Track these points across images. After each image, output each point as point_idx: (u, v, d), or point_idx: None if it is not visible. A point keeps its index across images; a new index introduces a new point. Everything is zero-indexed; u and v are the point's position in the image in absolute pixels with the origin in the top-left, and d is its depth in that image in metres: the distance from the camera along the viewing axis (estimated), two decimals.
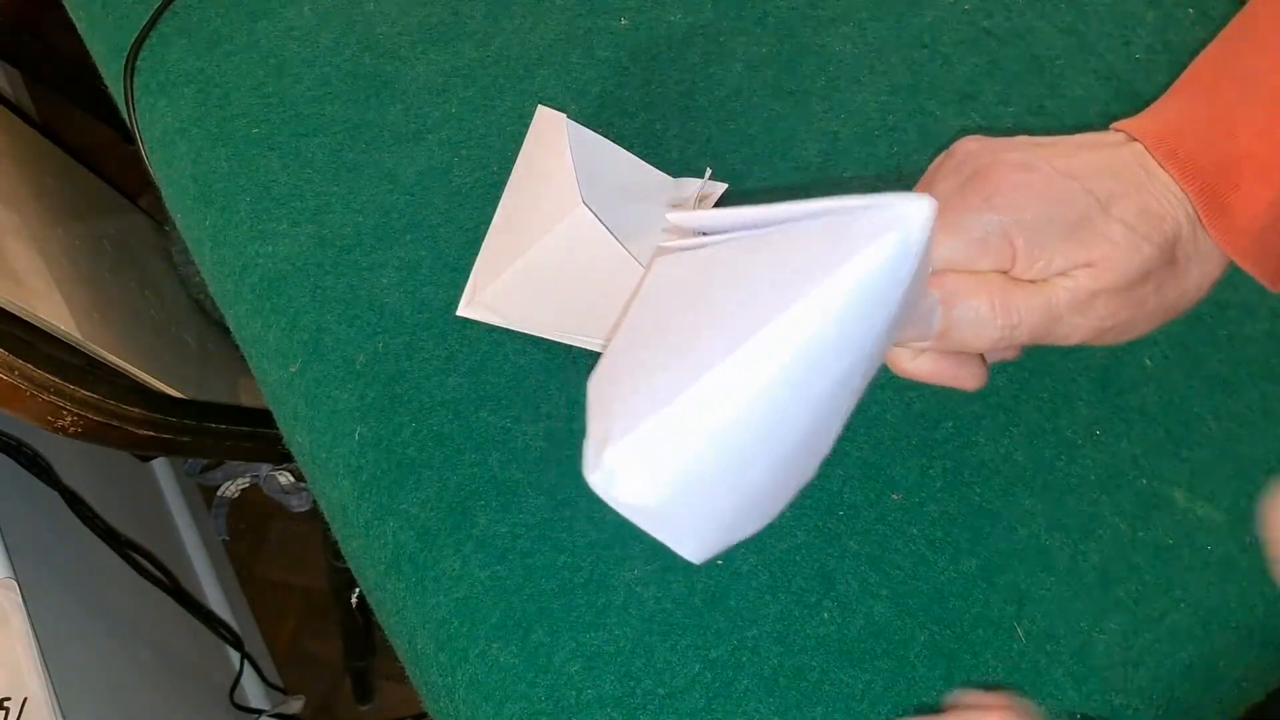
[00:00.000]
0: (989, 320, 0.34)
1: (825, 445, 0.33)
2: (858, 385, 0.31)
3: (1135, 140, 0.35)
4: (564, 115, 0.48)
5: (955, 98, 0.54)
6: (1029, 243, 0.34)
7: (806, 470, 0.33)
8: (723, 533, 0.33)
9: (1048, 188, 0.34)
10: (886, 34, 0.56)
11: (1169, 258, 0.34)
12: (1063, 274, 0.34)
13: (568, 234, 0.45)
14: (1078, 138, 0.36)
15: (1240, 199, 0.33)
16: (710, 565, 0.46)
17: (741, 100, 0.55)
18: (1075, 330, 0.34)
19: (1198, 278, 0.34)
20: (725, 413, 0.29)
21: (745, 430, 0.29)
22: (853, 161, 0.53)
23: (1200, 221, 0.33)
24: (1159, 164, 0.34)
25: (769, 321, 0.27)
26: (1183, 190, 0.33)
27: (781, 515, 0.34)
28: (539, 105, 0.52)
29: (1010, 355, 0.38)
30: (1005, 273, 0.34)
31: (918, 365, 0.37)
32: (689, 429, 0.29)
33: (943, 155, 0.39)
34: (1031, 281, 0.34)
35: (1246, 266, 0.34)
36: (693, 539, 0.33)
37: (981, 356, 0.37)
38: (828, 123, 0.54)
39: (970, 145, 0.37)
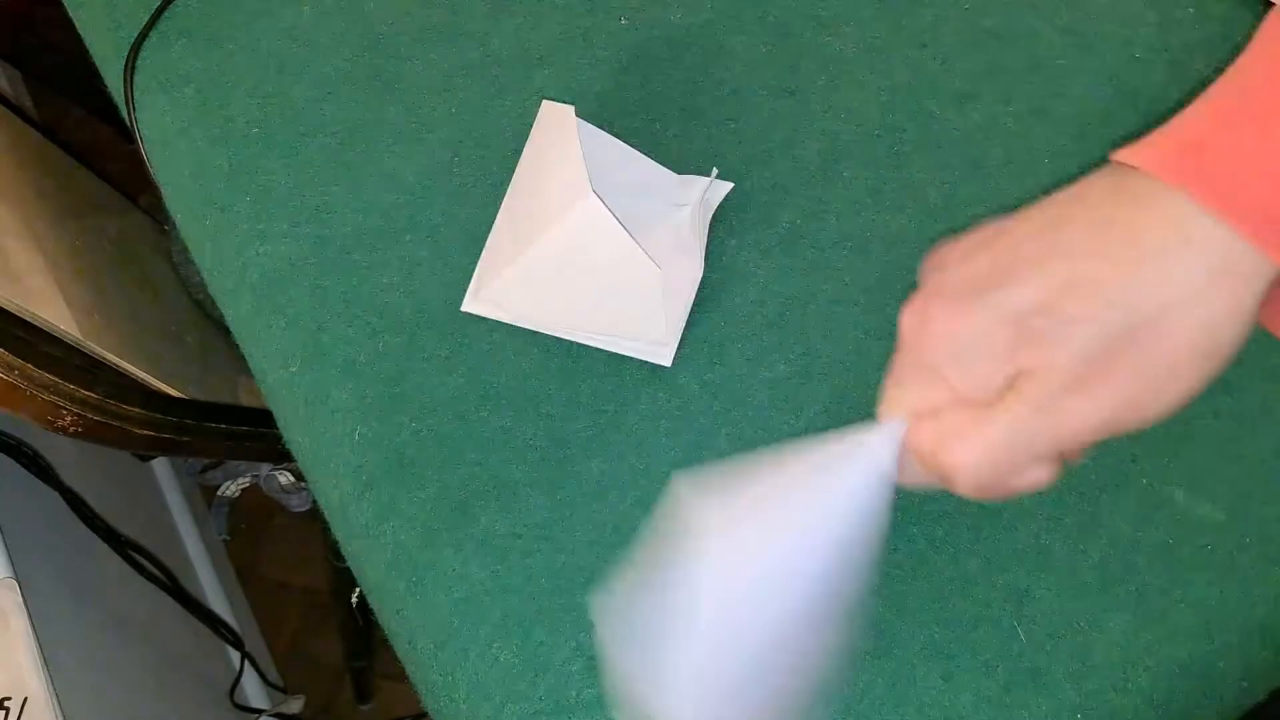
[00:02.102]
0: (969, 467, 0.32)
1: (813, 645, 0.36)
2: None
3: (1129, 170, 0.31)
4: (571, 108, 0.48)
5: (955, 98, 0.54)
6: (955, 370, 0.32)
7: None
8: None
9: (950, 313, 0.32)
10: (886, 34, 0.56)
11: (1128, 320, 0.30)
12: (1011, 387, 0.31)
13: (576, 224, 0.45)
14: (1048, 213, 0.33)
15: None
16: None
17: (741, 100, 0.55)
18: (1081, 430, 0.31)
19: (1210, 297, 0.29)
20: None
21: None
22: (853, 161, 0.53)
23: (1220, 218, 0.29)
24: (1146, 195, 0.30)
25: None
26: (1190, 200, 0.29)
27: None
28: (544, 100, 0.52)
29: (1070, 459, 0.34)
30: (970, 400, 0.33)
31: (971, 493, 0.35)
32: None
33: None
34: (992, 405, 0.32)
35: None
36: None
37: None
38: (828, 123, 0.54)
39: (931, 261, 0.36)
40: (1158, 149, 0.30)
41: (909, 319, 0.34)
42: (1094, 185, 0.32)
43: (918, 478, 0.35)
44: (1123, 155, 0.31)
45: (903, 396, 0.34)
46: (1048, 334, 0.30)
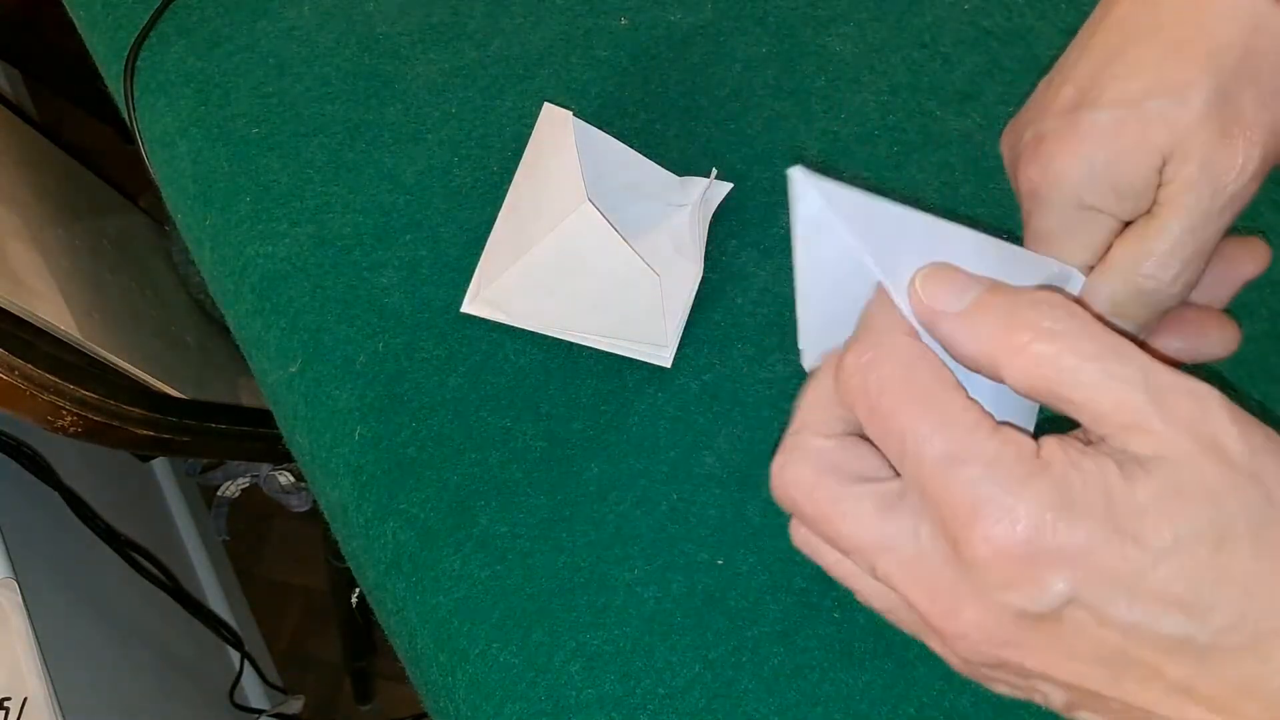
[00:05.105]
0: (1157, 290, 0.32)
1: None
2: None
3: None
4: (570, 113, 0.48)
5: (955, 98, 0.54)
6: (1101, 191, 0.32)
7: None
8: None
9: (1065, 141, 0.32)
10: (886, 34, 0.56)
11: (1231, 65, 0.31)
12: (1164, 182, 0.32)
13: (572, 231, 0.45)
14: (1085, 28, 0.34)
15: None
16: (710, 565, 0.46)
17: (741, 100, 0.55)
18: (1235, 198, 0.31)
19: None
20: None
21: None
22: (853, 161, 0.53)
23: None
24: None
25: None
26: None
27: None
28: (545, 103, 0.52)
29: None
30: (1124, 222, 0.33)
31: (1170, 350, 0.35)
32: None
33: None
34: (1153, 212, 0.32)
35: None
36: None
37: (1220, 312, 0.35)
38: (828, 123, 0.54)
39: (1007, 141, 0.36)
40: None
41: (1030, 171, 0.33)
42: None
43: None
44: None
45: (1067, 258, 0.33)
46: (1166, 111, 0.31)
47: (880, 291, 0.30)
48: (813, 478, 0.28)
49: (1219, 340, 0.36)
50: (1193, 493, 0.24)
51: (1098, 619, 0.24)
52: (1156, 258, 0.32)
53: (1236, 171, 0.31)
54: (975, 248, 0.30)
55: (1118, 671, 0.25)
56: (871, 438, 0.28)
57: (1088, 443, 0.26)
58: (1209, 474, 0.24)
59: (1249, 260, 0.36)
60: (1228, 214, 0.32)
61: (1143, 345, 0.31)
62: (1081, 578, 0.24)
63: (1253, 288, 0.50)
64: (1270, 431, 0.25)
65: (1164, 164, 0.31)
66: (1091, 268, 0.34)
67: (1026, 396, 0.27)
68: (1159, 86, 0.31)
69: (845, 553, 0.28)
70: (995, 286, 0.27)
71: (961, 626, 0.26)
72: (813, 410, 0.30)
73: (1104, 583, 0.24)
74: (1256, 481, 0.24)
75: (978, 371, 0.28)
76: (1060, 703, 0.27)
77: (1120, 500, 0.24)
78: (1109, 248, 0.33)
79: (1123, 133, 0.31)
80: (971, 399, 0.27)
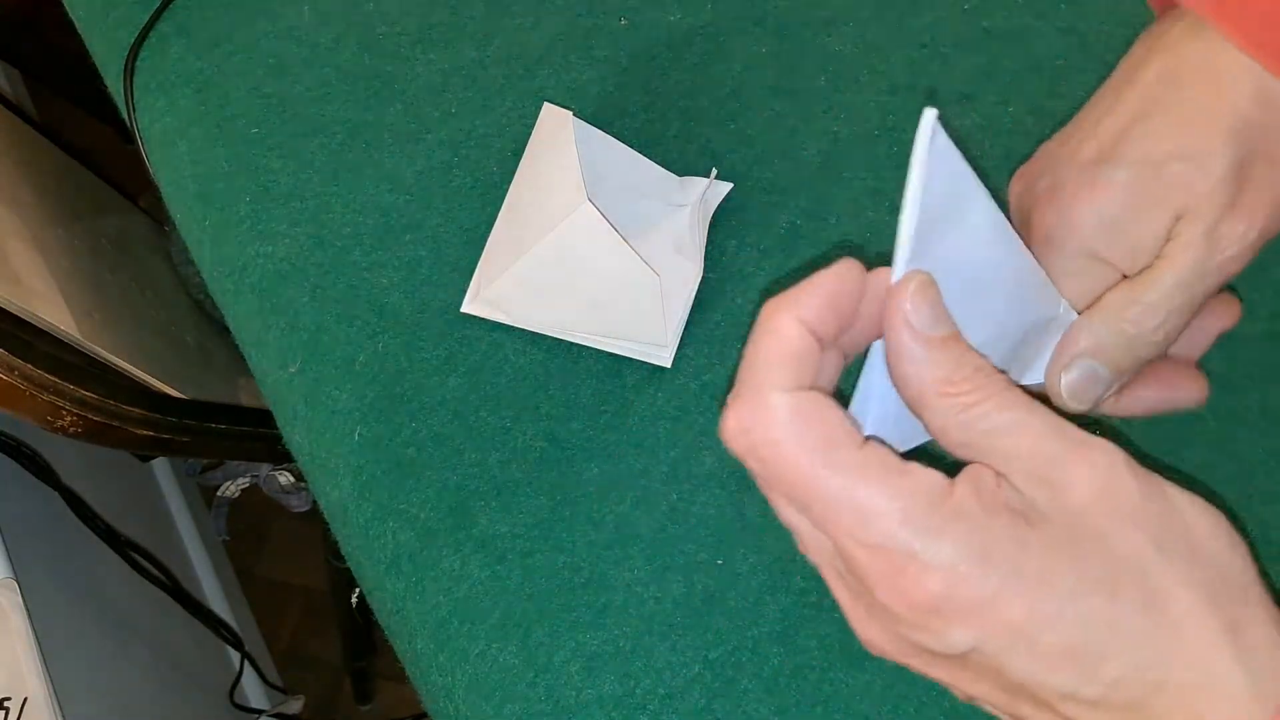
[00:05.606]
0: (1139, 337, 0.33)
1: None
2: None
3: (1166, 20, 0.33)
4: (570, 113, 0.48)
5: (955, 98, 0.54)
6: (1112, 244, 0.33)
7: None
8: None
9: (1085, 192, 0.33)
10: (886, 34, 0.56)
11: (1249, 139, 0.32)
12: (1169, 239, 0.33)
13: (572, 231, 0.45)
14: (1105, 93, 0.35)
15: None
16: (710, 565, 0.46)
17: (741, 100, 0.55)
18: (1230, 263, 0.33)
19: None
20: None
21: None
22: (853, 161, 0.53)
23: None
24: (1197, 32, 0.32)
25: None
26: (1239, 48, 0.32)
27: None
28: (545, 104, 0.52)
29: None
30: (1125, 276, 0.34)
31: (1122, 406, 0.37)
32: None
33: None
34: (1150, 265, 0.33)
35: None
36: None
37: (1193, 365, 0.37)
38: (828, 123, 0.54)
39: (1016, 188, 0.37)
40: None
41: (1046, 216, 0.34)
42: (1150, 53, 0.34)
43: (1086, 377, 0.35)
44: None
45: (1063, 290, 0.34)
46: (1186, 175, 0.32)
47: (770, 334, 0.30)
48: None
49: (1190, 392, 0.38)
50: (1092, 543, 0.25)
51: (997, 664, 0.25)
52: (1143, 307, 0.33)
53: (1236, 240, 0.32)
54: (1017, 256, 0.31)
55: (1014, 698, 0.26)
56: (777, 493, 0.28)
57: (998, 476, 0.27)
58: (1107, 526, 0.25)
59: (1224, 315, 0.38)
60: (1218, 277, 0.33)
61: (1053, 408, 0.32)
62: (985, 631, 0.25)
63: (1253, 288, 0.50)
64: (1167, 488, 0.26)
65: (1174, 223, 0.33)
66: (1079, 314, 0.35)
67: (938, 438, 0.28)
68: (1181, 151, 0.32)
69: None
70: (957, 334, 0.28)
71: (870, 636, 0.28)
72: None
73: (1005, 634, 0.25)
74: (1148, 535, 0.25)
75: (900, 393, 0.28)
76: (962, 698, 0.28)
77: (1030, 548, 0.25)
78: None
79: (1142, 190, 0.33)
80: (868, 439, 0.27)
